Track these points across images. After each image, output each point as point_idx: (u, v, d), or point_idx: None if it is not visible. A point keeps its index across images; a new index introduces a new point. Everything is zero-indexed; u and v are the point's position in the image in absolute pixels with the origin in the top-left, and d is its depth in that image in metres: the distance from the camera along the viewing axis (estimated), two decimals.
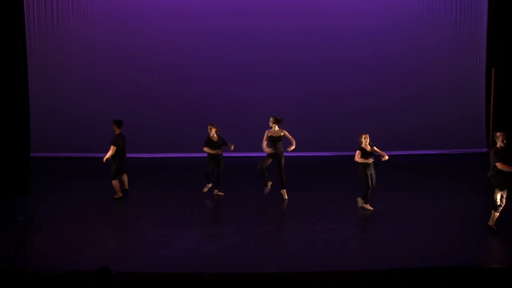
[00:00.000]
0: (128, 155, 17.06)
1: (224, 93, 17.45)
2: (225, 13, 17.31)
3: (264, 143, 13.03)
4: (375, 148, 12.53)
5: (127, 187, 13.54)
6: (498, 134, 11.13)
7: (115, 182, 13.21)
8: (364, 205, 12.44)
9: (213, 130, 13.35)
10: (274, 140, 13.03)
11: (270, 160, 13.10)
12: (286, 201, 13.13)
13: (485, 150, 17.54)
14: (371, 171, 12.37)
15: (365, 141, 12.47)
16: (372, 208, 12.34)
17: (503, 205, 11.08)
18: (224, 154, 13.66)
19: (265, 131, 13.15)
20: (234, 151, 13.69)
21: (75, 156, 17.23)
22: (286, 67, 17.50)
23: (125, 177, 13.52)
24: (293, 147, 13.05)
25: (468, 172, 15.69)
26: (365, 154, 12.33)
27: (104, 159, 13.08)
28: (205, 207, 13.36)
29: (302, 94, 17.55)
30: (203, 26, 17.24)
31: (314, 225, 11.85)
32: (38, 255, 9.91)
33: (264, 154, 13.23)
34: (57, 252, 10.35)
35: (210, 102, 17.47)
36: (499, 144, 11.01)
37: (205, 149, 13.28)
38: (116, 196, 13.24)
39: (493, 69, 16.26)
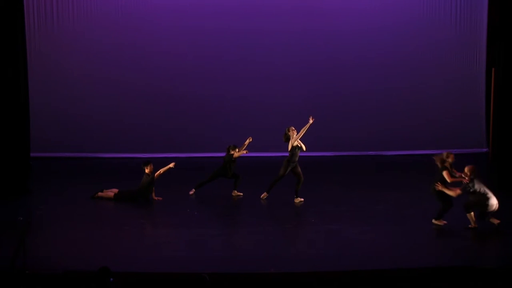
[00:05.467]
0: (129, 155, 17.25)
1: (225, 93, 17.48)
2: (225, 12, 17.35)
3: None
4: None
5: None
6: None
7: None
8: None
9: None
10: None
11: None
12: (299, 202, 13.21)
13: (485, 150, 17.57)
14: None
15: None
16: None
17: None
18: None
19: (284, 132, 13.18)
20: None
21: (75, 156, 17.25)
22: (286, 66, 17.53)
23: None
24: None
25: None
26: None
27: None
28: (205, 207, 13.36)
29: (302, 94, 17.57)
30: (203, 25, 17.27)
31: (314, 225, 11.85)
32: (38, 255, 9.90)
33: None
34: (57, 252, 10.34)
35: (210, 102, 17.51)
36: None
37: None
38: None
39: (493, 69, 16.24)
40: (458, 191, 11.29)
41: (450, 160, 11.60)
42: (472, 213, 11.32)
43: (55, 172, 15.86)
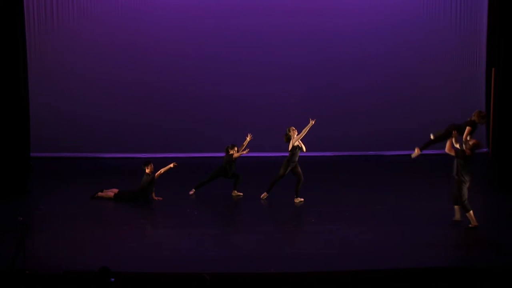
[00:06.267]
0: (129, 155, 17.26)
1: (224, 93, 17.48)
2: (225, 12, 17.35)
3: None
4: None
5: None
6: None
7: None
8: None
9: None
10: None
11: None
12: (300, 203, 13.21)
13: (485, 150, 17.54)
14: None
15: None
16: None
17: None
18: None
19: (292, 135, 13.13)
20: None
21: (75, 156, 17.26)
22: (286, 66, 17.53)
23: None
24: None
25: None
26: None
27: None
28: (205, 207, 13.36)
29: (302, 94, 17.58)
30: (204, 25, 17.27)
31: (314, 225, 11.85)
32: (38, 255, 9.91)
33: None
34: (57, 252, 10.34)
35: (210, 102, 17.50)
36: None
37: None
38: None
39: (493, 69, 16.24)
40: (451, 152, 11.28)
41: (481, 122, 11.44)
42: (471, 211, 11.31)
43: (55, 172, 15.85)
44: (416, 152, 11.79)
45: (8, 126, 13.69)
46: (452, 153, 11.30)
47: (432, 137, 11.92)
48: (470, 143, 11.22)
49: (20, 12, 14.01)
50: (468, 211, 11.34)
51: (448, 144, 11.39)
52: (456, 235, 11.25)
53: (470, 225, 11.36)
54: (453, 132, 11.35)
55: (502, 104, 14.58)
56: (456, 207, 11.53)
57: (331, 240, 10.98)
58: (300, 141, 13.06)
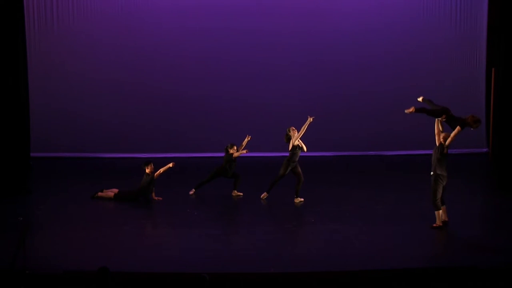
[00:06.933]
0: (129, 155, 17.25)
1: (225, 93, 17.47)
2: (225, 12, 17.33)
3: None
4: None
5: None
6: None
7: None
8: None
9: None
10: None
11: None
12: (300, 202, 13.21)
13: (485, 150, 17.55)
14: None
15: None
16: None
17: None
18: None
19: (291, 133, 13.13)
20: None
21: (75, 156, 17.25)
22: (286, 66, 17.53)
23: None
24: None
25: (468, 172, 15.69)
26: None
27: None
28: (205, 207, 13.36)
29: (302, 94, 17.56)
30: (204, 25, 17.27)
31: (314, 225, 11.85)
32: (38, 255, 9.91)
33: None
34: (57, 252, 10.34)
35: (210, 102, 17.50)
36: None
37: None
38: None
39: (493, 69, 16.25)
40: (436, 137, 11.34)
41: (473, 126, 11.37)
42: (440, 211, 11.35)
43: (55, 172, 15.85)
44: (411, 110, 11.79)
45: (8, 126, 13.69)
46: (436, 140, 11.31)
47: (420, 99, 12.12)
48: (445, 140, 11.25)
49: (20, 12, 14.02)
50: (438, 210, 11.34)
51: (436, 128, 11.47)
52: (456, 235, 11.24)
53: (434, 224, 11.36)
54: (443, 115, 11.37)
55: (502, 104, 14.58)
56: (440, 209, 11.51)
57: (331, 240, 10.99)
58: (301, 141, 13.06)
